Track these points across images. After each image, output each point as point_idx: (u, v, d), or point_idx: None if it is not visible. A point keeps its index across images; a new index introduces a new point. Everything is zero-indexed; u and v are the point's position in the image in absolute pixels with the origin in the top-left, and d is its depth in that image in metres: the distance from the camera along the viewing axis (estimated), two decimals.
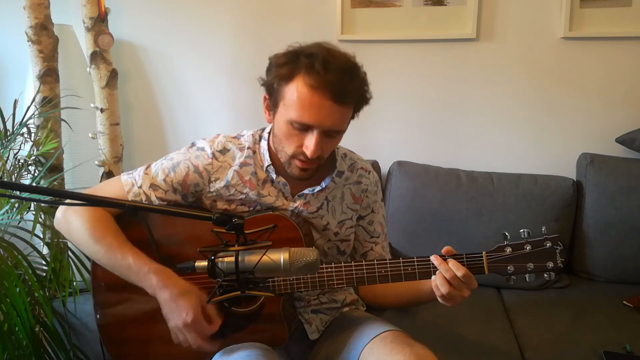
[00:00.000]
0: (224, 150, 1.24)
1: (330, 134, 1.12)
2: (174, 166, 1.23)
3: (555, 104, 1.98)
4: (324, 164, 1.25)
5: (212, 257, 0.87)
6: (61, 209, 1.23)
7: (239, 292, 0.88)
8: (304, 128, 1.10)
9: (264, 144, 1.24)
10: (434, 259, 1.12)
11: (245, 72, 2.11)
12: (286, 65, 1.10)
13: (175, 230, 1.22)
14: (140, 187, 1.22)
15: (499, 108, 2.02)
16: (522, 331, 1.53)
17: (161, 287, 1.11)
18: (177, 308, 1.10)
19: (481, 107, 2.03)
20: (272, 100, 1.15)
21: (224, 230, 0.88)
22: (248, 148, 1.25)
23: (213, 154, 1.23)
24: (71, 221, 1.19)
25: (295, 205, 1.25)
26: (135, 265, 1.12)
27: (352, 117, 1.19)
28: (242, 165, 1.23)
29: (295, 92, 1.08)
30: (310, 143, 1.10)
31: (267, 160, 1.23)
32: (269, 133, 1.25)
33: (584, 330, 1.50)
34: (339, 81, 1.06)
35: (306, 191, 1.24)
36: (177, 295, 1.10)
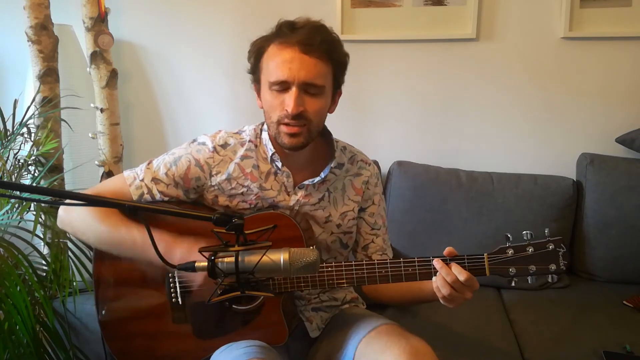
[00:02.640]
0: (225, 145, 1.25)
1: (309, 89, 1.14)
2: (175, 160, 1.24)
3: (555, 104, 1.98)
4: (322, 155, 1.26)
5: (212, 257, 0.87)
6: (63, 207, 1.23)
7: (239, 292, 0.89)
8: (283, 88, 1.13)
9: (265, 135, 1.26)
10: (436, 263, 1.11)
11: (245, 72, 2.11)
12: (258, 41, 1.19)
13: (176, 229, 1.22)
14: (142, 180, 1.22)
15: (499, 108, 2.02)
16: (522, 331, 1.53)
17: (169, 250, 1.10)
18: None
19: (481, 107, 2.03)
20: (256, 79, 1.20)
21: (224, 231, 0.88)
22: (250, 141, 1.26)
23: (214, 147, 1.24)
24: (73, 211, 1.20)
25: (297, 197, 1.25)
26: (141, 237, 1.12)
27: (338, 84, 1.21)
28: (243, 157, 1.24)
29: (269, 57, 1.15)
30: (289, 100, 1.12)
31: (270, 150, 1.23)
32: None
33: (584, 330, 1.50)
34: (304, 34, 1.13)
35: (307, 182, 1.25)
36: (186, 252, 1.09)
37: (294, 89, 1.12)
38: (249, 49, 1.21)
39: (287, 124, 1.15)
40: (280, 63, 1.12)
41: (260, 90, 1.20)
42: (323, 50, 1.13)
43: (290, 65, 1.11)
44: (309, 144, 1.19)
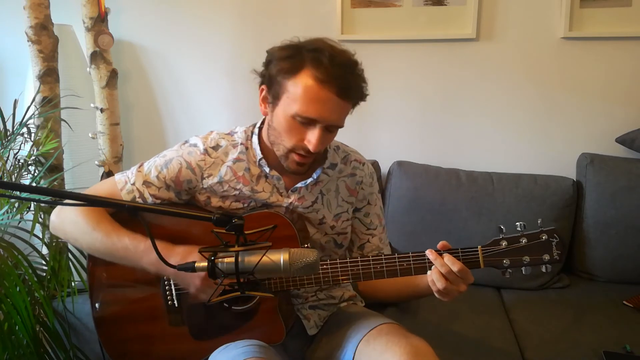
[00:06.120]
0: (216, 147, 1.24)
1: (331, 129, 1.14)
2: (166, 163, 1.23)
3: (555, 104, 1.98)
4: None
5: (212, 258, 0.87)
6: (55, 212, 1.23)
7: (238, 293, 0.88)
8: (308, 122, 1.10)
9: (255, 139, 1.25)
10: (429, 254, 1.12)
11: (245, 72, 2.10)
12: (290, 59, 1.10)
13: (175, 230, 1.22)
14: (133, 184, 1.22)
15: (499, 108, 2.02)
16: (522, 331, 1.53)
17: (165, 257, 1.10)
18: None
19: (481, 107, 2.02)
20: (273, 93, 1.15)
21: (223, 231, 0.87)
22: (241, 144, 1.25)
23: (205, 150, 1.23)
24: (66, 217, 1.20)
25: (290, 200, 1.25)
26: (132, 245, 1.12)
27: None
28: (235, 161, 1.24)
29: (301, 85, 1.08)
30: (313, 138, 1.11)
31: (259, 154, 1.23)
32: (260, 128, 1.25)
33: (584, 330, 1.50)
34: (344, 77, 1.08)
35: (299, 185, 1.24)
36: (181, 260, 1.09)
37: (319, 128, 1.10)
38: (271, 59, 1.14)
39: (300, 154, 1.15)
40: (314, 100, 1.08)
41: (276, 106, 1.14)
42: (356, 96, 1.14)
43: (324, 106, 1.08)
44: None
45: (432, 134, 2.07)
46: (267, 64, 1.16)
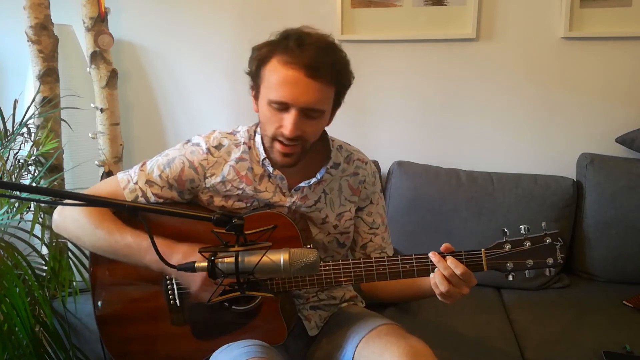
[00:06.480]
0: (219, 146, 1.24)
1: (309, 113, 1.11)
2: (169, 162, 1.23)
3: (555, 104, 1.98)
4: (318, 156, 1.25)
5: (212, 258, 0.87)
6: (57, 211, 1.23)
7: (239, 293, 0.88)
8: (282, 107, 1.10)
9: (258, 138, 1.24)
10: (433, 256, 1.12)
11: (245, 72, 2.12)
12: (264, 48, 1.13)
13: (175, 230, 1.22)
14: (135, 183, 1.22)
15: (499, 108, 2.02)
16: (522, 331, 1.53)
17: (167, 254, 1.09)
18: None
19: (481, 107, 2.02)
20: (255, 86, 1.17)
21: (223, 231, 0.87)
22: (244, 143, 1.25)
23: (208, 149, 1.23)
24: (68, 216, 1.20)
25: (293, 199, 1.25)
26: (135, 242, 1.12)
27: (338, 103, 1.18)
28: (238, 160, 1.23)
29: (271, 71, 1.10)
30: (287, 122, 1.10)
31: (262, 154, 1.23)
32: None
33: (584, 330, 1.50)
34: (312, 56, 1.07)
35: (302, 184, 1.24)
36: (183, 259, 1.08)
37: (293, 112, 1.09)
38: (251, 53, 1.16)
39: (281, 142, 1.13)
40: (283, 83, 1.08)
41: (259, 98, 1.16)
42: (329, 74, 1.09)
43: (293, 88, 1.07)
44: (300, 161, 1.18)
45: (432, 134, 2.07)
46: (249, 58, 1.18)
